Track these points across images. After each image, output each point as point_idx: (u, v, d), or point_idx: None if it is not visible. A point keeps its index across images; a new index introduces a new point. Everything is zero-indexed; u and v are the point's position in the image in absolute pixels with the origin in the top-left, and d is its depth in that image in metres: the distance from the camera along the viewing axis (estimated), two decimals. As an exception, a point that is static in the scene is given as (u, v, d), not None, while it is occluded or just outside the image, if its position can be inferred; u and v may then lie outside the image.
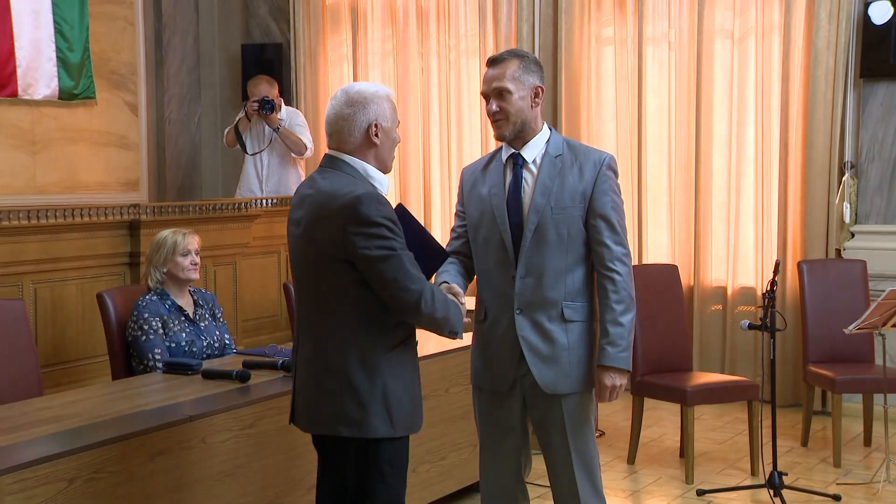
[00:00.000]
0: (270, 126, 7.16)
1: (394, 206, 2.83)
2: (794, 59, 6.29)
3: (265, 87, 7.18)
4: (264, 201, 6.90)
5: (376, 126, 2.79)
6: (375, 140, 2.80)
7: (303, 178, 7.43)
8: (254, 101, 7.11)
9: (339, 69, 7.88)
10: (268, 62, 8.04)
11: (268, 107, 7.08)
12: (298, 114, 7.37)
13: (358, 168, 2.79)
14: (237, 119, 7.34)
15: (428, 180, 7.50)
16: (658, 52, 6.76)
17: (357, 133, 2.79)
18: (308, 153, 7.29)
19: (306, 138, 7.25)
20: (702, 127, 6.57)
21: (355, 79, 7.73)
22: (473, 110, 7.35)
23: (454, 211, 3.33)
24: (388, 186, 2.85)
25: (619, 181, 3.12)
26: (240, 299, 6.30)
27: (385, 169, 2.85)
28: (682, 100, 6.67)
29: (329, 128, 2.83)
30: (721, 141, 6.60)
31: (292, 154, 7.28)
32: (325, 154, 2.86)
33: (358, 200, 2.67)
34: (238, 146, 7.34)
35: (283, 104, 7.25)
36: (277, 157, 7.31)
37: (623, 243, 3.05)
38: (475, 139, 7.34)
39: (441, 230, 7.41)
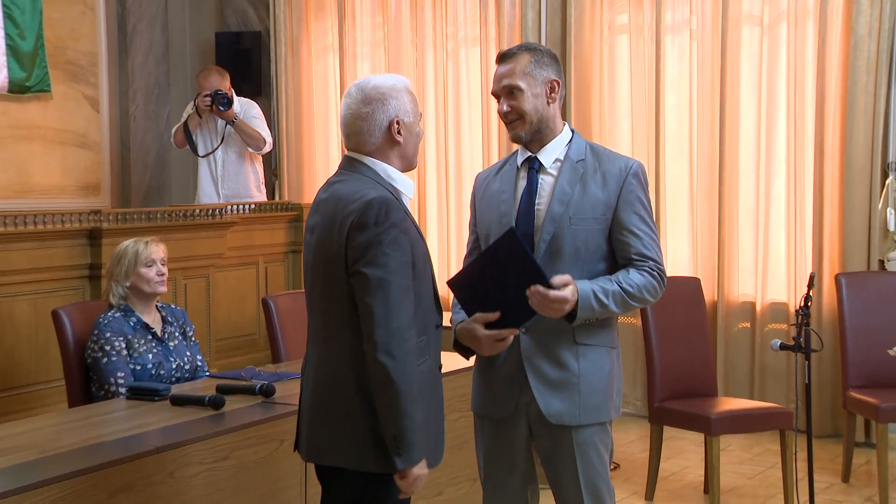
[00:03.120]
0: (225, 121, 7.11)
1: (505, 232, 2.93)
2: (832, 47, 6.28)
3: (216, 80, 7.12)
4: (242, 207, 6.91)
5: (398, 123, 2.84)
6: (398, 138, 2.84)
7: (262, 177, 7.44)
8: (205, 96, 7.04)
9: (323, 60, 7.88)
10: (245, 52, 8.06)
11: (223, 101, 7.01)
12: (253, 105, 7.34)
13: (378, 170, 2.83)
14: (185, 116, 7.29)
15: (423, 186, 7.48)
16: (678, 41, 6.76)
17: (378, 132, 2.83)
18: (267, 147, 7.27)
19: (264, 131, 7.22)
20: (727, 124, 6.56)
21: (342, 71, 7.76)
22: (474, 106, 7.34)
23: (468, 221, 3.31)
24: (412, 188, 2.89)
25: None
26: (213, 316, 6.30)
27: (410, 166, 2.90)
28: (706, 94, 6.66)
29: (346, 128, 2.86)
30: (749, 139, 6.59)
31: (249, 149, 7.25)
32: (345, 155, 2.90)
33: (368, 205, 2.70)
34: (188, 147, 7.29)
35: (234, 96, 7.18)
36: (234, 154, 7.28)
37: (656, 255, 3.05)
38: (476, 138, 7.33)
39: (437, 244, 7.42)
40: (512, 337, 2.99)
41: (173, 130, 7.47)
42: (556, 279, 2.92)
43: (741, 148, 6.60)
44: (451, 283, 3.04)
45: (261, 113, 7.35)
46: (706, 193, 6.68)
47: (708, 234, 6.67)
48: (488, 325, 2.96)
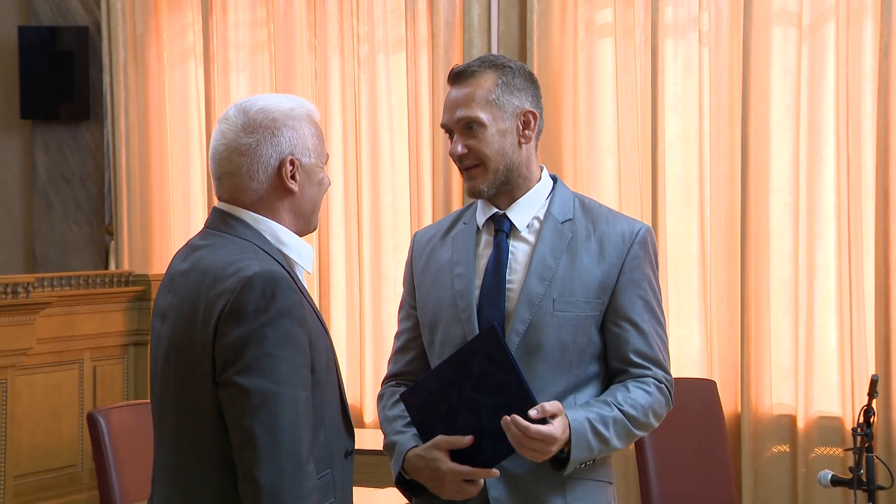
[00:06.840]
0: None
1: (485, 330, 3.01)
2: (897, 58, 6.34)
3: None
4: (60, 280, 6.82)
5: (293, 163, 2.88)
6: (292, 185, 2.88)
7: None
8: None
9: (181, 69, 7.89)
10: (63, 56, 7.98)
11: None
12: None
13: (262, 230, 2.87)
14: None
15: (325, 254, 7.45)
16: (683, 48, 6.80)
17: (262, 175, 2.87)
18: None
19: None
20: (752, 163, 6.57)
21: (208, 85, 7.71)
22: (398, 137, 7.35)
23: (398, 305, 3.36)
24: (311, 259, 2.92)
25: None
26: (13, 441, 6.30)
27: (308, 227, 2.94)
28: (721, 121, 6.68)
29: (218, 167, 2.90)
30: (783, 185, 6.60)
31: None
32: (214, 208, 2.94)
33: (246, 283, 2.73)
34: None
35: None
36: None
37: (663, 359, 3.18)
38: (401, 183, 7.33)
39: (346, 338, 7.37)
40: (483, 481, 3.02)
41: None
42: (538, 409, 2.94)
43: (773, 197, 6.59)
44: (406, 399, 3.10)
45: None
46: (723, 262, 6.68)
47: (727, 320, 6.67)
48: (455, 456, 2.99)
